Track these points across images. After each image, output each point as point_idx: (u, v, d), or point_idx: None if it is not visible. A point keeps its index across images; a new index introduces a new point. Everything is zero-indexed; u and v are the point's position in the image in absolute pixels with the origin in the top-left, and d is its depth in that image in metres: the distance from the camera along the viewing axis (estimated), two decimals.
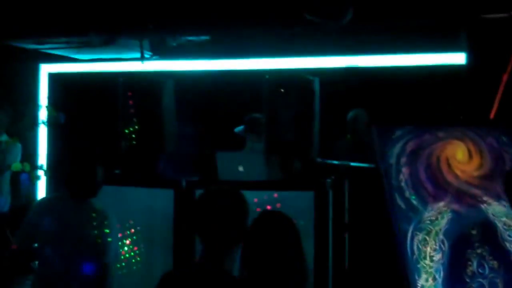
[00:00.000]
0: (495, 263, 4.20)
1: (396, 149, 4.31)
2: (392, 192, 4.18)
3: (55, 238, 4.90)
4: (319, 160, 6.93)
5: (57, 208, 5.05)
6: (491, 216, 4.31)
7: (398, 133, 4.34)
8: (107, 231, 5.05)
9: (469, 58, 6.25)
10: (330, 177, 6.73)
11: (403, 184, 4.23)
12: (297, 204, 6.23)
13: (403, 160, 4.29)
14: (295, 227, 3.36)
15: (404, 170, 4.25)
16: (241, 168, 6.86)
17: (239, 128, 7.63)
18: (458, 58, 6.49)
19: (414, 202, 4.21)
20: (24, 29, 6.59)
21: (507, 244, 4.26)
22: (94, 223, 5.07)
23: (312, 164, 6.90)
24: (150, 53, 7.41)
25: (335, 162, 7.04)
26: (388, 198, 4.21)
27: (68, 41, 6.67)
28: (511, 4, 5.77)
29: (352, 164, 7.19)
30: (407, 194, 4.21)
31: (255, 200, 5.65)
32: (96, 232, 5.03)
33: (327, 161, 7.00)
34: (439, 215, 4.22)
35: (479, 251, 4.20)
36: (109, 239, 5.03)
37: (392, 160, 4.27)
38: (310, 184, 6.62)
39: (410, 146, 4.33)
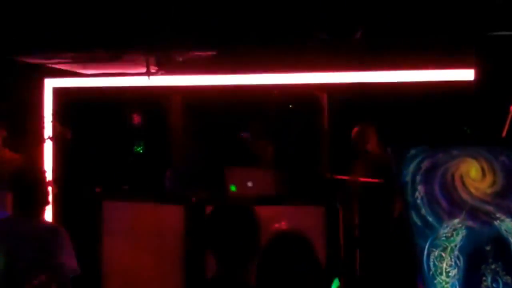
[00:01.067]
0: (508, 278, 4.26)
1: (412, 167, 4.36)
2: (408, 209, 4.23)
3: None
4: (328, 175, 6.99)
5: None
6: (504, 232, 4.36)
7: (413, 151, 4.40)
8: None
9: (477, 74, 6.30)
10: (339, 192, 6.81)
11: (419, 201, 4.29)
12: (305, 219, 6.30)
13: (419, 178, 4.34)
14: (311, 244, 3.38)
15: (420, 187, 4.31)
16: (250, 184, 6.91)
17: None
18: (466, 75, 6.53)
19: (430, 219, 4.27)
20: (32, 44, 6.61)
21: None
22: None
23: (321, 180, 6.95)
24: (156, 68, 7.43)
25: (344, 177, 7.10)
26: (405, 215, 4.26)
27: (75, 56, 6.68)
28: None
29: (361, 179, 7.25)
30: (423, 211, 4.28)
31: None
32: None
33: (335, 176, 7.06)
34: (454, 232, 4.27)
35: (493, 266, 4.25)
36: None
37: (408, 178, 4.33)
38: (320, 199, 6.70)
39: (425, 164, 4.38)
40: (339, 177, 7.10)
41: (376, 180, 7.18)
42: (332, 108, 6.77)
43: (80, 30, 6.43)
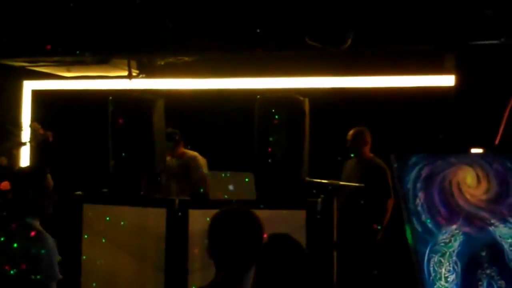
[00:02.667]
0: (502, 283, 4.39)
1: (413, 174, 4.48)
2: (410, 216, 4.34)
3: None
4: (307, 179, 7.03)
5: None
6: (498, 237, 4.49)
7: (414, 159, 4.52)
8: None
9: (457, 81, 6.42)
10: (319, 196, 6.86)
11: (419, 208, 4.41)
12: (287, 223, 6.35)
13: (419, 185, 4.46)
14: (303, 249, 3.44)
15: (420, 194, 4.43)
16: (231, 187, 6.93)
17: None
18: (447, 81, 6.66)
19: (430, 225, 4.39)
20: (17, 48, 6.57)
21: None
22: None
23: (301, 184, 7.00)
24: (137, 71, 7.42)
25: (324, 181, 7.16)
26: (406, 221, 4.37)
27: (59, 60, 6.65)
28: (501, 32, 5.96)
29: (341, 183, 7.34)
30: (423, 217, 4.40)
31: None
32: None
33: (316, 180, 7.11)
34: (452, 238, 4.40)
35: (488, 271, 4.38)
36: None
37: (409, 185, 4.45)
38: (301, 203, 6.74)
39: (425, 171, 4.50)
40: (320, 181, 7.16)
41: (356, 184, 7.28)
42: (314, 112, 6.82)
43: (65, 33, 6.40)
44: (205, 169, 7.70)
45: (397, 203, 5.29)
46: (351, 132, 7.50)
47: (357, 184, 7.24)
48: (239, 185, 6.87)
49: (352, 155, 7.54)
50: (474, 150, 5.46)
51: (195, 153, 7.84)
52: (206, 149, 7.90)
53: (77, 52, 6.48)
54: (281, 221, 6.24)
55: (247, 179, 6.83)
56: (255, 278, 3.33)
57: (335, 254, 7.08)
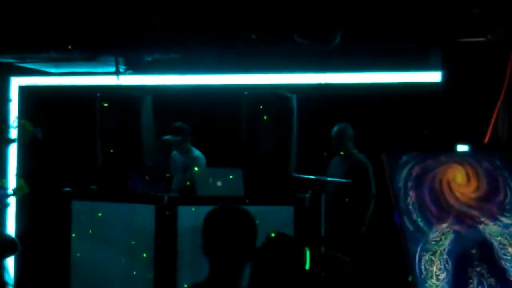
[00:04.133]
0: (492, 281, 4.43)
1: (404, 173, 4.52)
2: (401, 214, 4.39)
3: None
4: (295, 175, 7.07)
5: None
6: (488, 235, 4.54)
7: (404, 158, 4.56)
8: None
9: (443, 77, 6.46)
10: (307, 191, 6.91)
11: (410, 207, 4.45)
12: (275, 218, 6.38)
13: (410, 184, 4.50)
14: (299, 247, 3.46)
15: (411, 193, 4.48)
16: (219, 184, 6.96)
17: (166, 137, 7.80)
18: (433, 77, 6.70)
19: (421, 224, 4.43)
20: (4, 44, 6.53)
21: (503, 262, 4.49)
22: None
23: (288, 179, 7.03)
24: (124, 67, 7.40)
25: (312, 177, 7.21)
26: (397, 221, 4.41)
27: (47, 56, 6.62)
28: (487, 29, 6.01)
29: (328, 179, 7.39)
30: (414, 216, 4.44)
31: None
32: None
33: (303, 176, 7.16)
34: (442, 236, 4.44)
35: (478, 269, 4.43)
36: None
37: (400, 184, 4.48)
38: (289, 199, 6.78)
39: (415, 170, 4.54)
40: (307, 176, 7.20)
41: (343, 180, 7.33)
42: (302, 108, 6.85)
43: (54, 29, 6.37)
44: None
45: (384, 200, 5.33)
46: (334, 129, 7.56)
47: (344, 180, 7.31)
48: (227, 181, 6.90)
49: (336, 152, 7.60)
50: (460, 147, 5.52)
51: (198, 153, 7.85)
52: (193, 145, 7.91)
53: (65, 49, 6.47)
54: (269, 217, 6.29)
55: (231, 176, 6.87)
56: (252, 276, 3.35)
57: (322, 249, 7.16)
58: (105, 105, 7.05)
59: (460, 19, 6.03)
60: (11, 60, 7.01)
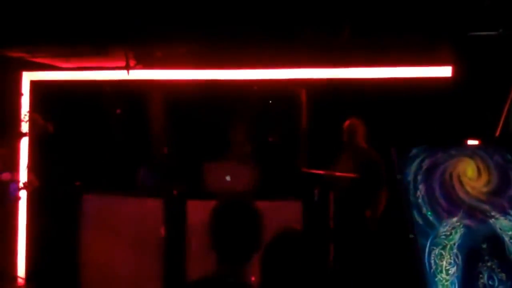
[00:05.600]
0: (503, 276, 4.39)
1: (413, 167, 4.49)
2: (410, 208, 4.36)
3: None
4: (304, 169, 7.07)
5: None
6: (498, 230, 4.50)
7: (414, 151, 4.52)
8: None
9: (454, 71, 6.44)
10: (316, 186, 6.90)
11: (420, 200, 4.42)
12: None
13: (420, 177, 4.47)
14: (314, 244, 3.42)
15: (421, 187, 4.44)
16: (228, 178, 6.97)
17: None
18: (444, 72, 6.68)
19: (431, 218, 4.40)
20: (15, 38, 6.55)
21: None
22: None
23: (298, 174, 7.03)
24: (135, 62, 7.41)
25: (321, 172, 7.20)
26: (406, 214, 4.38)
27: (58, 50, 6.64)
28: (499, 22, 5.98)
29: (338, 174, 7.37)
30: (424, 210, 4.40)
31: None
32: None
33: (313, 171, 7.15)
34: (452, 230, 4.41)
35: (489, 264, 4.39)
36: None
37: (410, 178, 4.45)
38: (298, 193, 6.78)
39: (425, 164, 4.51)
40: (316, 171, 7.19)
41: (352, 175, 7.31)
42: (311, 103, 6.84)
43: (65, 23, 6.39)
44: None
45: (394, 195, 5.31)
46: (345, 124, 7.54)
47: (353, 175, 7.29)
48: (236, 175, 6.92)
49: (347, 147, 7.58)
50: (471, 142, 5.49)
51: None
52: (203, 140, 7.90)
53: (76, 43, 6.49)
54: (278, 211, 6.29)
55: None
56: (263, 272, 3.32)
57: (331, 245, 7.15)
58: (115, 99, 7.06)
59: (471, 12, 6.01)
60: (23, 55, 7.03)
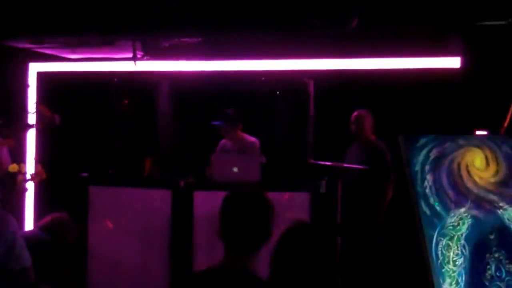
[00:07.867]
0: (511, 267, 4.35)
1: (421, 156, 4.45)
2: (418, 198, 4.32)
3: None
4: (312, 161, 7.04)
5: None
6: (506, 221, 4.46)
7: (422, 141, 4.48)
8: None
9: (463, 61, 6.40)
10: (324, 178, 6.86)
11: (427, 191, 4.38)
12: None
13: (427, 167, 4.43)
14: (327, 239, 3.37)
15: (428, 177, 4.40)
16: (235, 169, 6.93)
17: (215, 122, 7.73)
18: (453, 62, 6.63)
19: (438, 208, 4.36)
20: (22, 28, 6.54)
21: None
22: None
23: (306, 166, 7.00)
24: (142, 53, 7.39)
25: (328, 163, 7.16)
26: (413, 204, 4.34)
27: (65, 41, 6.62)
28: (508, 12, 5.93)
29: (346, 165, 7.34)
30: (431, 200, 4.36)
31: None
32: None
33: (320, 163, 7.11)
34: (460, 221, 4.37)
35: (496, 255, 4.35)
36: None
37: (417, 168, 4.41)
38: (305, 185, 6.74)
39: (433, 153, 4.47)
40: (324, 163, 7.16)
41: (360, 167, 7.28)
42: (319, 94, 6.81)
43: (71, 13, 6.37)
44: None
45: (402, 186, 5.27)
46: (353, 115, 7.50)
47: (360, 167, 7.25)
48: (243, 167, 6.88)
49: (355, 138, 7.54)
50: (479, 133, 5.45)
51: (253, 139, 7.76)
52: (211, 131, 7.88)
53: (83, 33, 6.47)
54: (285, 203, 6.26)
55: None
56: (273, 265, 3.28)
57: (339, 237, 7.12)
58: (122, 90, 7.05)
59: (480, 2, 5.96)
60: (29, 46, 7.02)
